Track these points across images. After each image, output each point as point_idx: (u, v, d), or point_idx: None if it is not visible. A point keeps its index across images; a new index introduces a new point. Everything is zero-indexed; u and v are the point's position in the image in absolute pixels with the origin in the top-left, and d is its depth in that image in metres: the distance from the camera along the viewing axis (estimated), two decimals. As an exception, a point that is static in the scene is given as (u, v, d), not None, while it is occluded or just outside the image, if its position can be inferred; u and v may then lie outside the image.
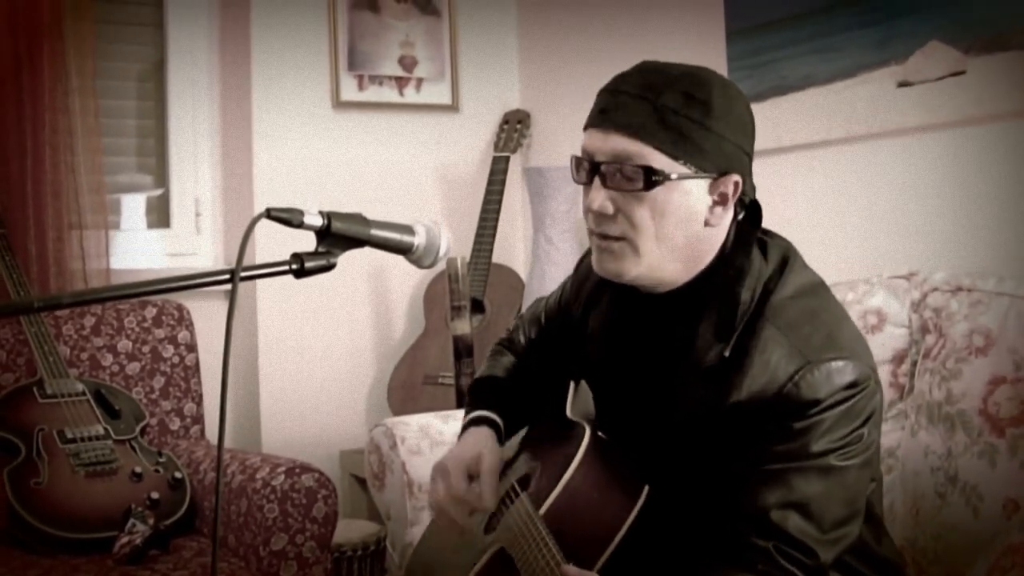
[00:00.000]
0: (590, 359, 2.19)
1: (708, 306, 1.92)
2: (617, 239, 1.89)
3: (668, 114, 1.83)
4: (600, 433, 2.11)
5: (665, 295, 1.96)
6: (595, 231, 1.92)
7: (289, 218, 1.64)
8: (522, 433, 2.41)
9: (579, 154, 1.93)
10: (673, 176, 1.83)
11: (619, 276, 1.93)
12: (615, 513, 1.95)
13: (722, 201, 1.89)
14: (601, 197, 1.87)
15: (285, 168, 4.32)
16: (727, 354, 1.87)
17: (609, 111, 1.87)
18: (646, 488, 1.96)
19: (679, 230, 1.88)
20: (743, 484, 1.85)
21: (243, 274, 1.60)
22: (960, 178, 2.98)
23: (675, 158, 1.83)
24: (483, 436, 2.27)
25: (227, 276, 1.60)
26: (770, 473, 1.83)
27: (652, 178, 1.83)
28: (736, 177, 1.89)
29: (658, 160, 1.83)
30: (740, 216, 1.96)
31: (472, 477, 2.18)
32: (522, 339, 2.49)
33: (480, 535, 2.18)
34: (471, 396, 2.42)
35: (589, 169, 1.90)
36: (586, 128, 1.92)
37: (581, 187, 1.94)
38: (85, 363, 3.68)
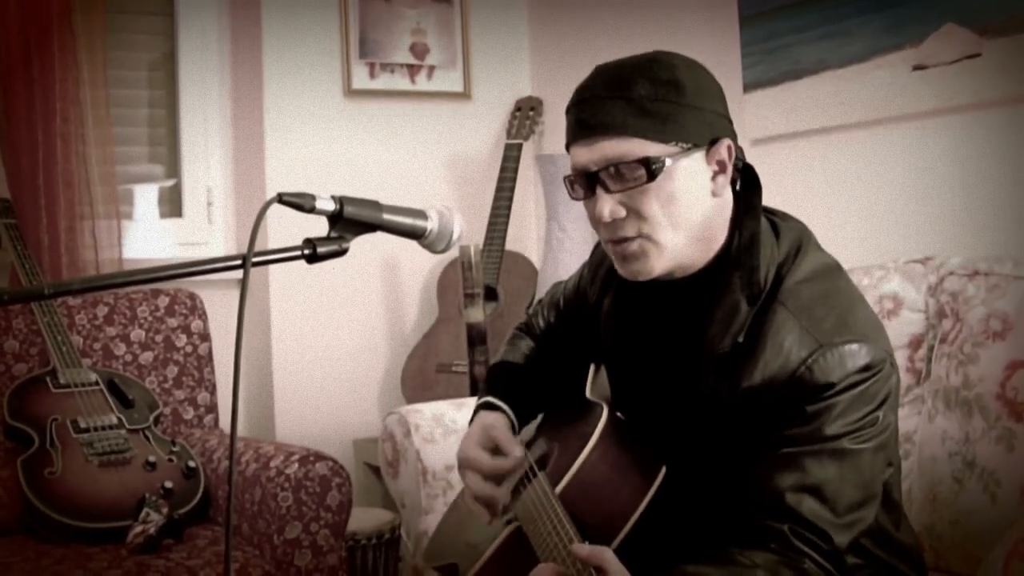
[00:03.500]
0: (605, 343, 2.18)
1: (721, 291, 1.91)
2: (635, 238, 1.88)
3: (644, 102, 1.82)
4: (618, 413, 2.10)
5: (678, 281, 1.95)
6: (611, 239, 1.91)
7: (301, 203, 1.63)
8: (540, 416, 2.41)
9: (570, 174, 1.93)
10: (669, 160, 1.83)
11: (648, 275, 1.91)
12: (632, 492, 1.95)
13: (722, 169, 1.90)
14: (610, 203, 1.86)
15: (297, 157, 4.31)
16: (741, 339, 1.87)
17: (586, 119, 1.87)
18: (663, 468, 1.96)
19: (692, 210, 1.87)
20: (758, 467, 1.85)
21: (255, 259, 1.59)
22: (976, 161, 2.96)
23: (664, 141, 1.83)
24: (488, 416, 2.27)
25: (239, 262, 1.59)
26: (784, 456, 1.83)
27: (652, 167, 1.82)
28: (727, 141, 1.89)
29: (650, 149, 1.83)
30: (738, 185, 1.98)
31: (492, 448, 2.19)
32: (541, 323, 2.49)
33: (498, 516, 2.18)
34: (486, 382, 2.42)
35: (587, 182, 1.89)
36: (569, 146, 1.92)
37: (583, 203, 1.94)
38: (98, 353, 3.68)
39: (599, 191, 1.86)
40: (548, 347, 2.46)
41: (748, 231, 1.92)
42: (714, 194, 1.89)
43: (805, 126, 3.38)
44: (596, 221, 1.90)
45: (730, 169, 1.91)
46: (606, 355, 2.21)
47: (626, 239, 1.88)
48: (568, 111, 1.93)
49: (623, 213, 1.86)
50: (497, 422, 2.23)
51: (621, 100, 1.83)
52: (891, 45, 3.11)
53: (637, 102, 1.82)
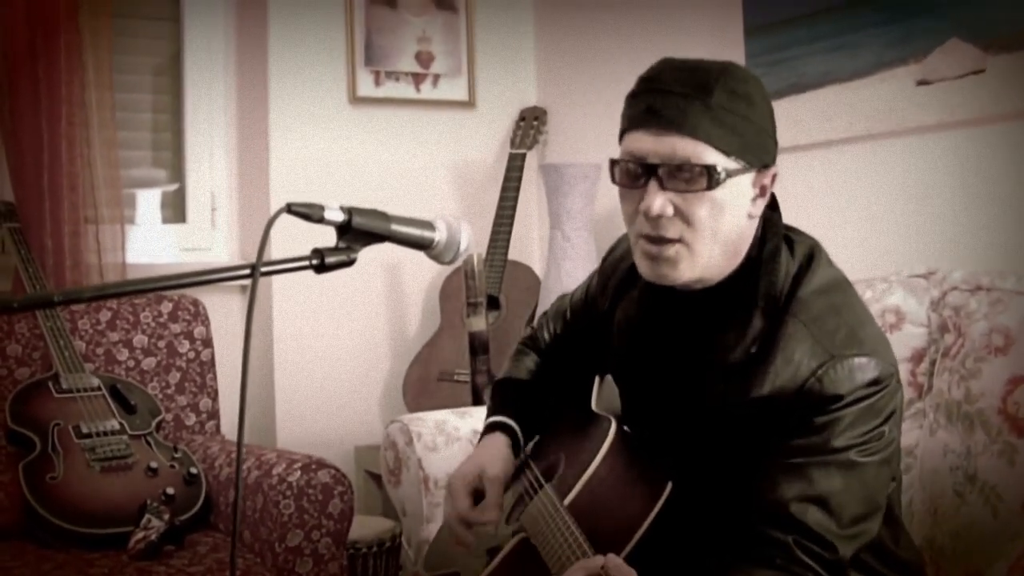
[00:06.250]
0: (617, 352, 2.18)
1: (736, 302, 1.92)
2: (674, 242, 1.87)
3: (720, 111, 1.82)
4: (625, 427, 2.11)
5: (699, 291, 1.95)
6: (651, 235, 1.88)
7: (309, 213, 1.63)
8: None
9: (620, 156, 1.91)
10: (728, 173, 1.83)
11: (675, 281, 1.91)
12: (638, 507, 1.96)
13: (762, 193, 1.91)
14: (661, 200, 1.84)
15: (301, 163, 4.31)
16: (754, 350, 1.88)
17: (660, 111, 1.84)
18: (670, 483, 1.97)
19: (730, 225, 1.88)
20: (764, 477, 1.86)
21: (263, 269, 1.59)
22: (979, 177, 2.97)
23: (728, 154, 1.83)
24: (493, 445, 2.29)
25: (247, 271, 1.60)
26: (790, 467, 1.84)
27: (714, 176, 1.82)
28: (775, 169, 1.91)
29: (714, 157, 1.82)
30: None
31: (477, 492, 2.21)
32: (546, 335, 2.49)
33: (502, 525, 2.19)
34: (492, 399, 2.43)
35: (641, 172, 1.86)
36: (630, 130, 1.89)
37: (608, 181, 1.93)
38: (101, 358, 3.68)
39: (652, 185, 1.85)
40: (553, 360, 2.46)
41: (770, 247, 1.93)
42: (750, 216, 1.90)
43: (809, 139, 3.38)
44: (635, 213, 1.89)
45: (768, 195, 1.92)
46: (617, 364, 2.21)
47: (665, 240, 1.87)
48: (635, 96, 1.90)
49: (671, 212, 1.84)
50: (498, 469, 2.24)
51: (699, 103, 1.82)
52: (895, 59, 3.12)
53: (714, 109, 1.82)
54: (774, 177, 1.91)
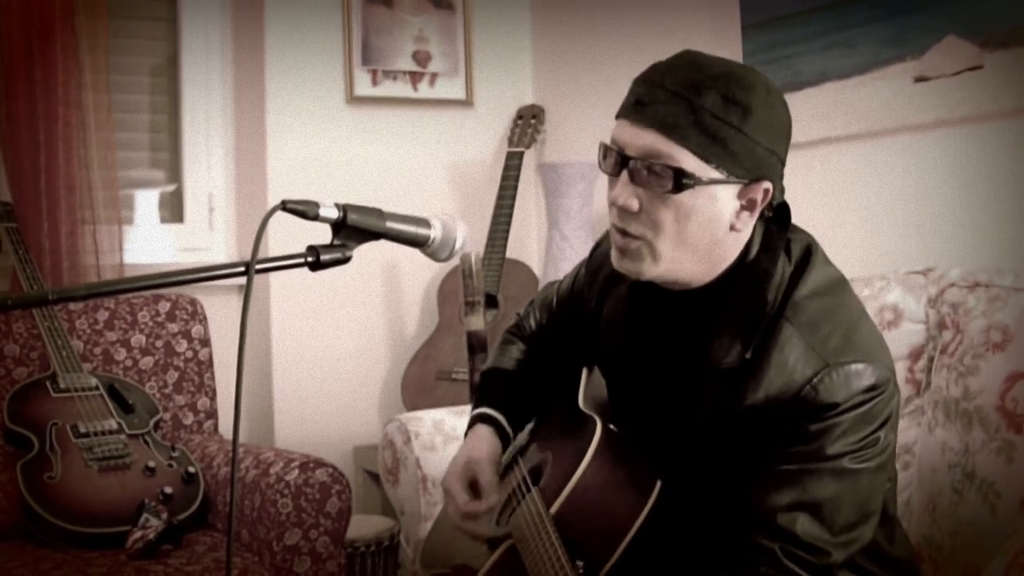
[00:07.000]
0: (604, 349, 2.17)
1: (729, 307, 1.89)
2: (636, 238, 1.85)
3: (705, 116, 1.77)
4: (612, 425, 2.09)
5: (685, 294, 1.93)
6: (617, 226, 1.87)
7: (305, 210, 1.63)
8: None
9: (608, 142, 1.88)
10: (704, 180, 1.79)
11: (637, 275, 1.89)
12: (627, 510, 1.94)
13: (750, 207, 1.85)
14: (627, 193, 1.82)
15: (299, 163, 4.31)
16: (748, 356, 1.84)
17: (645, 104, 1.81)
18: (658, 484, 1.95)
19: (702, 234, 1.84)
20: (755, 484, 1.84)
21: (258, 266, 1.59)
22: (977, 174, 2.96)
23: (707, 161, 1.78)
24: (478, 436, 2.28)
25: (242, 269, 1.59)
26: (783, 474, 1.82)
27: (682, 180, 1.78)
28: (767, 184, 1.84)
29: (689, 162, 1.78)
30: (768, 215, 1.92)
31: (473, 483, 2.21)
32: (532, 324, 2.48)
33: (493, 527, 2.18)
34: (478, 390, 2.42)
35: (618, 161, 1.84)
36: (618, 117, 1.87)
37: (607, 178, 1.90)
38: (98, 357, 3.68)
39: (624, 176, 1.83)
40: (539, 349, 2.44)
41: (762, 270, 1.89)
42: (733, 228, 1.86)
43: (806, 137, 3.37)
44: (611, 202, 1.87)
45: (758, 210, 1.87)
46: (605, 362, 2.19)
47: (627, 234, 1.86)
48: (636, 82, 1.87)
49: (636, 208, 1.82)
50: (484, 452, 2.24)
51: (685, 103, 1.77)
52: (893, 57, 3.11)
53: (699, 112, 1.77)
54: (766, 192, 1.85)
